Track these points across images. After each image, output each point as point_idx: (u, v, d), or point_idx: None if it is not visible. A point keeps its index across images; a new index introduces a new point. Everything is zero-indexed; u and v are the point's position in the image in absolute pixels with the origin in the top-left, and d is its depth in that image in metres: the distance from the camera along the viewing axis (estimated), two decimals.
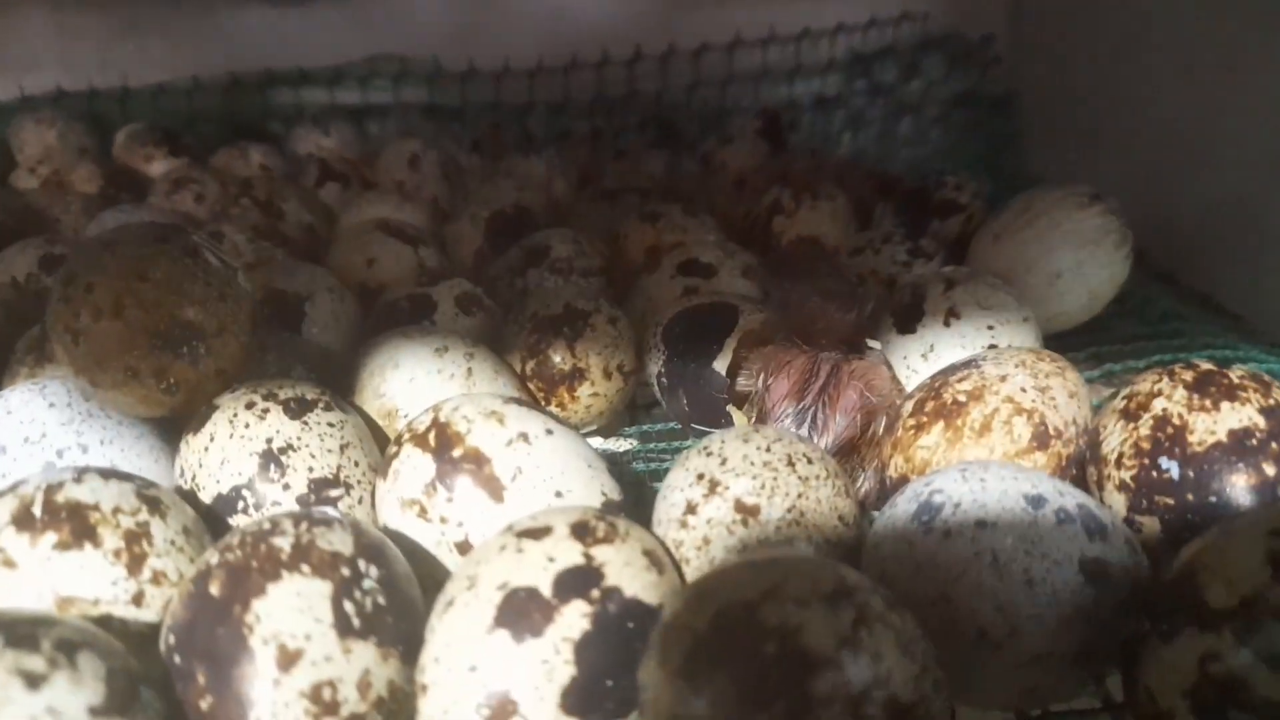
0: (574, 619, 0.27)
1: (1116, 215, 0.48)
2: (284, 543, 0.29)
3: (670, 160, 0.69)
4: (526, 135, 0.81)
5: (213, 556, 0.29)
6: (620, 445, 0.47)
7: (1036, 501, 0.29)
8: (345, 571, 0.29)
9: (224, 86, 0.85)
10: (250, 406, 0.36)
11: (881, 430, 0.39)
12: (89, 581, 0.30)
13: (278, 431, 0.36)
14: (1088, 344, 0.49)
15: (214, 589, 0.28)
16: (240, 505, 0.35)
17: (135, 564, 0.31)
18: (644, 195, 0.62)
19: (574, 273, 0.52)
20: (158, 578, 0.31)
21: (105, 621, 0.30)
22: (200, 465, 0.36)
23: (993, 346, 0.42)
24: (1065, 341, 0.49)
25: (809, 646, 0.23)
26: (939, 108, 0.86)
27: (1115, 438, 0.33)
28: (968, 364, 0.37)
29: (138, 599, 0.30)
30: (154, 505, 0.32)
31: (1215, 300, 0.56)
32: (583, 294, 0.46)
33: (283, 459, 0.35)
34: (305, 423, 0.36)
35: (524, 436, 0.34)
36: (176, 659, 0.27)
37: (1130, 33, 0.69)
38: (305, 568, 0.28)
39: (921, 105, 0.87)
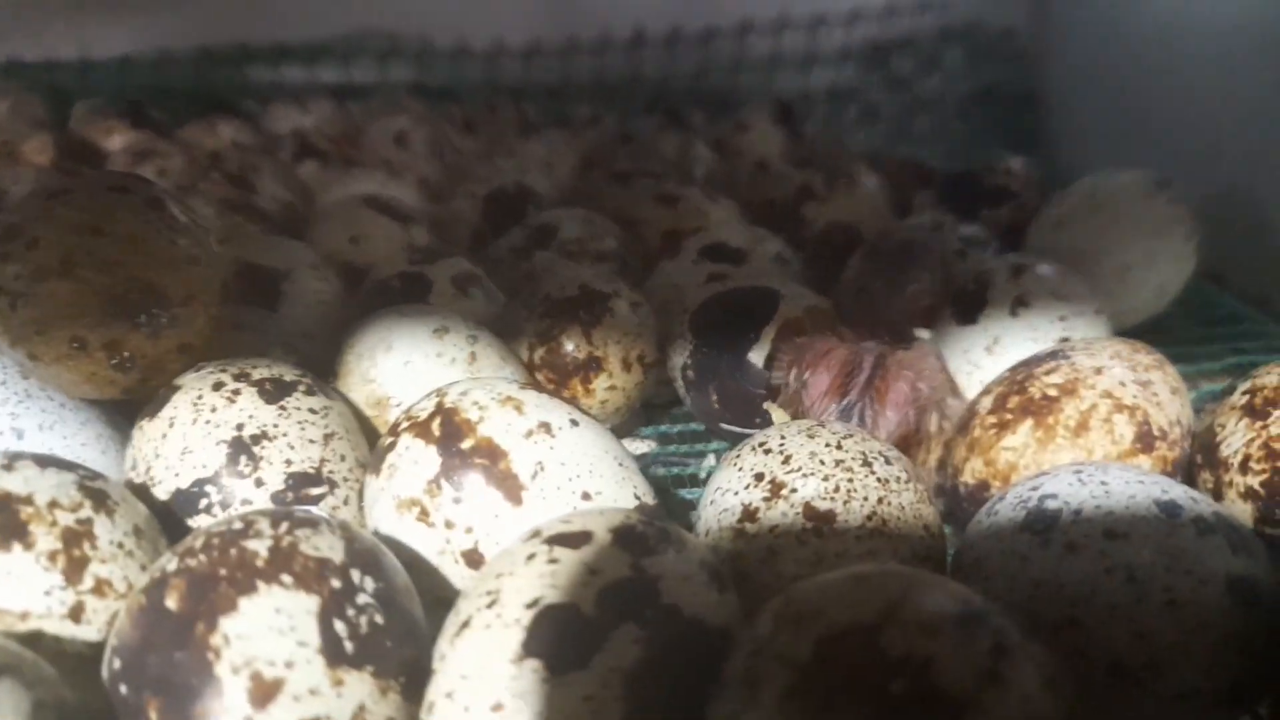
0: (625, 645, 0.22)
1: (1185, 204, 0.44)
2: (260, 546, 0.23)
3: (683, 144, 0.64)
4: (523, 118, 0.76)
5: (170, 563, 0.23)
6: (637, 447, 0.42)
7: (1171, 509, 0.24)
8: (335, 583, 0.23)
9: (194, 60, 0.79)
10: (218, 388, 0.31)
11: (935, 427, 0.35)
12: (17, 590, 0.25)
13: (250, 417, 0.30)
14: (1153, 344, 0.45)
15: (171, 602, 0.23)
16: (203, 503, 0.30)
17: (74, 570, 0.25)
18: (658, 178, 0.57)
19: (587, 256, 0.47)
20: (101, 587, 0.26)
21: (35, 640, 0.25)
22: (157, 455, 0.30)
23: (1065, 340, 0.37)
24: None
25: (945, 685, 0.18)
26: (958, 104, 0.82)
27: (1238, 438, 0.29)
28: (1054, 354, 0.32)
29: (76, 613, 0.25)
30: (99, 500, 0.27)
31: (1274, 303, 0.52)
32: (600, 275, 0.41)
33: (255, 449, 0.30)
34: (283, 408, 0.31)
35: (546, 427, 0.29)
36: (122, 688, 0.22)
37: (1163, 24, 0.65)
38: (286, 578, 0.23)
39: (940, 101, 0.83)
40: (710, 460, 0.41)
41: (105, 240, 0.30)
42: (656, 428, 0.44)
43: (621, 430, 0.43)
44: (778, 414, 0.36)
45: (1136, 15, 0.69)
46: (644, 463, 0.41)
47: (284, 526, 0.24)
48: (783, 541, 0.26)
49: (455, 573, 0.28)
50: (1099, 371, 0.31)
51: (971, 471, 0.32)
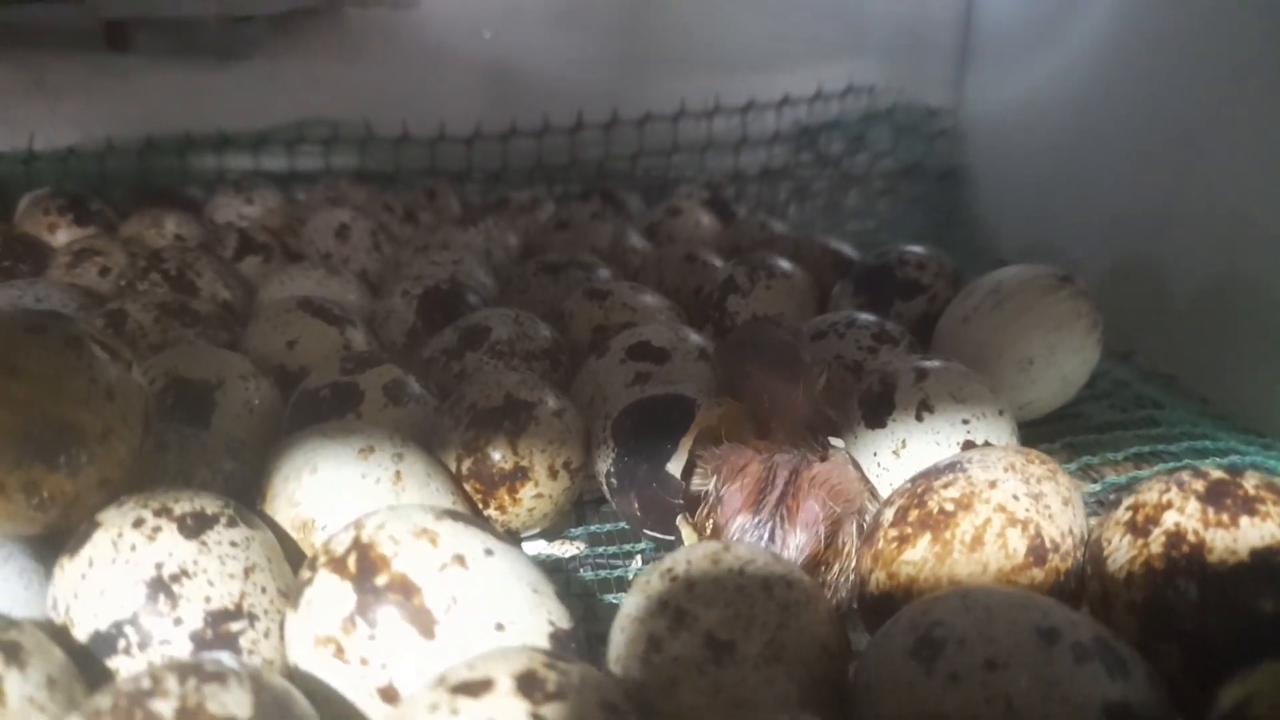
0: None
1: (1087, 298, 0.46)
2: (166, 707, 0.24)
3: (616, 232, 0.65)
4: (464, 203, 0.77)
5: None
6: (566, 550, 0.43)
7: (1050, 635, 0.26)
8: None
9: (139, 149, 0.80)
10: (139, 524, 0.31)
11: (852, 539, 0.35)
12: None
13: (170, 554, 0.31)
14: (1061, 433, 0.47)
15: None
16: (121, 644, 0.30)
17: None
18: (589, 270, 0.58)
19: (516, 356, 0.48)
20: None
21: None
22: (76, 595, 0.31)
23: (969, 442, 0.39)
24: (1038, 431, 0.46)
25: None
26: (885, 180, 0.85)
27: (1122, 554, 0.30)
28: (952, 466, 0.34)
29: None
30: (12, 653, 0.27)
31: (1180, 382, 0.55)
32: (525, 382, 0.42)
33: (174, 588, 0.30)
34: (203, 543, 0.31)
35: (460, 559, 0.30)
36: None
37: (1080, 112, 0.68)
38: None
39: (867, 177, 0.86)
40: (638, 562, 0.42)
41: (19, 382, 0.31)
42: (586, 527, 0.45)
43: (552, 531, 0.44)
44: (686, 532, 0.37)
45: (1049, 96, 0.72)
46: (573, 565, 0.42)
47: (192, 683, 0.24)
48: (684, 671, 0.27)
49: (372, 708, 0.29)
50: (993, 485, 0.32)
51: (877, 583, 0.33)
